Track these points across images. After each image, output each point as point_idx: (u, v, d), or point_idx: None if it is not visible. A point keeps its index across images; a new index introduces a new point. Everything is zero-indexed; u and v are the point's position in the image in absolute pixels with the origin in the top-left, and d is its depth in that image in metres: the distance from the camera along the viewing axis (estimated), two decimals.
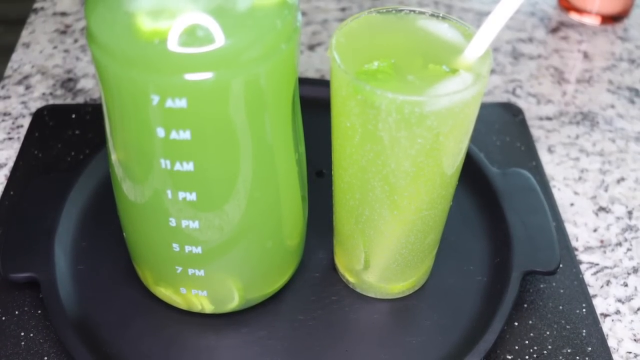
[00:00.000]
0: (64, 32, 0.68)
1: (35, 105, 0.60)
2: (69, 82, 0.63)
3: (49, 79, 0.63)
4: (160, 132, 0.35)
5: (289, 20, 0.35)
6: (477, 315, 0.45)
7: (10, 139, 0.57)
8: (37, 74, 0.63)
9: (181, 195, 0.37)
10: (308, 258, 0.48)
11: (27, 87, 0.62)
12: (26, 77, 0.63)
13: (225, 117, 0.35)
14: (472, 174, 0.52)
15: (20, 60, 0.65)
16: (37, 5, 0.72)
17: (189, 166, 0.36)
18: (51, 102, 0.60)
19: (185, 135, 0.35)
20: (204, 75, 0.33)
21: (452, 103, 0.36)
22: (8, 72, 0.64)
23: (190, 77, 0.33)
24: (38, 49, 0.66)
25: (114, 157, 0.39)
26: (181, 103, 0.33)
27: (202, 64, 0.33)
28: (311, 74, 0.65)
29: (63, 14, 0.71)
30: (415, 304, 0.46)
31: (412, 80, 0.37)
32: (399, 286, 0.45)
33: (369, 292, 0.46)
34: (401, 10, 0.40)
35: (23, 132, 0.58)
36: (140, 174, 0.38)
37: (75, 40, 0.67)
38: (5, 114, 0.59)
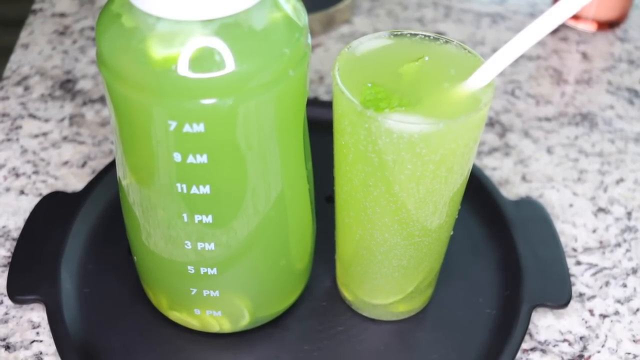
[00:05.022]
0: (62, 33, 0.68)
1: (34, 107, 0.60)
2: (67, 83, 0.63)
3: (48, 80, 0.63)
4: (177, 156, 0.35)
5: (299, 44, 0.35)
6: (485, 350, 0.44)
7: (9, 140, 0.57)
8: (35, 75, 0.63)
9: (197, 218, 0.37)
10: (315, 286, 0.47)
11: (26, 88, 0.62)
12: (25, 78, 0.63)
13: (240, 140, 0.35)
14: (483, 203, 0.51)
15: (19, 61, 0.65)
16: (36, 6, 0.72)
17: (205, 189, 0.36)
18: (50, 103, 0.60)
19: (202, 159, 0.35)
20: (219, 100, 0.33)
21: (445, 130, 0.35)
22: (7, 73, 0.64)
23: (207, 102, 0.33)
24: (37, 50, 0.66)
25: (125, 180, 0.39)
26: (199, 128, 0.34)
27: (218, 89, 0.33)
28: (310, 74, 0.65)
29: (62, 15, 0.71)
30: (423, 337, 0.45)
31: (410, 104, 0.36)
32: (398, 311, 0.45)
33: (364, 311, 0.46)
34: (416, 35, 0.40)
35: (22, 133, 0.58)
36: (155, 198, 0.38)
37: (74, 42, 0.67)
38: (3, 115, 0.59)
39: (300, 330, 0.45)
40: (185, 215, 0.37)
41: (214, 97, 0.33)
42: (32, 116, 0.59)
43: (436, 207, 0.39)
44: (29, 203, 0.53)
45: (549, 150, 0.58)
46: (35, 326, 0.45)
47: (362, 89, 0.37)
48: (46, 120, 0.59)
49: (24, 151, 0.56)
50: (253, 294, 0.42)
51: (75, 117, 0.59)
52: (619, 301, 0.48)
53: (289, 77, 0.35)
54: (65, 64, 0.65)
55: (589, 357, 0.45)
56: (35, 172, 0.55)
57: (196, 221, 0.38)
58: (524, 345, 0.45)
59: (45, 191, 0.53)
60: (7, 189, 0.54)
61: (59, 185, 0.54)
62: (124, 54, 0.33)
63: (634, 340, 0.46)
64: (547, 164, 0.57)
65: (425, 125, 0.35)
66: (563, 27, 0.72)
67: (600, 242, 0.52)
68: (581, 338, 0.46)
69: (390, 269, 0.42)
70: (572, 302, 0.47)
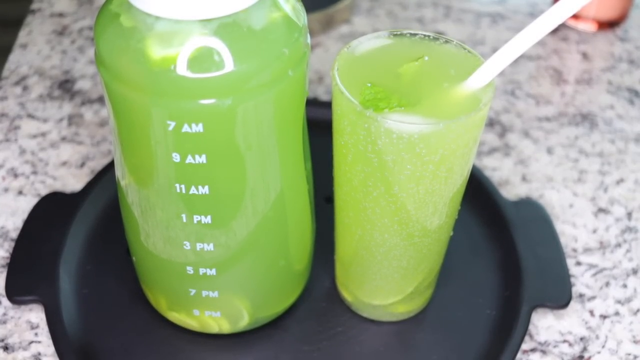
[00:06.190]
0: (61, 33, 0.68)
1: (32, 107, 0.60)
2: (66, 83, 0.62)
3: (46, 80, 0.63)
4: (176, 157, 0.35)
5: (299, 44, 0.35)
6: (485, 350, 0.44)
7: (7, 140, 0.57)
8: (34, 75, 0.63)
9: (196, 218, 0.37)
10: (315, 287, 0.47)
11: (25, 88, 0.62)
12: (23, 78, 0.63)
13: (239, 141, 0.35)
14: (483, 203, 0.51)
15: (18, 61, 0.65)
16: (34, 6, 0.72)
17: (204, 189, 0.36)
18: (48, 103, 0.60)
19: (201, 159, 0.35)
20: (218, 100, 0.33)
21: (445, 130, 0.35)
22: (5, 73, 0.63)
23: (206, 102, 0.33)
24: (35, 50, 0.66)
25: (124, 181, 0.39)
26: (197, 128, 0.33)
27: (217, 89, 0.33)
28: (310, 75, 0.65)
29: (60, 14, 0.71)
30: (423, 337, 0.45)
31: (409, 104, 0.36)
32: (397, 311, 0.45)
33: (364, 312, 0.46)
34: (415, 35, 0.40)
35: (20, 133, 0.58)
36: (154, 198, 0.37)
37: (73, 41, 0.67)
38: (2, 115, 0.59)
39: (300, 331, 0.45)
40: (184, 216, 0.37)
41: (213, 97, 0.33)
42: (31, 116, 0.59)
43: (436, 207, 0.39)
44: (27, 203, 0.52)
45: (549, 151, 0.58)
46: (33, 327, 0.45)
47: (361, 89, 0.37)
48: (45, 121, 0.59)
49: (23, 151, 0.56)
50: (252, 294, 0.42)
51: (73, 117, 0.59)
52: (619, 302, 0.48)
53: (288, 77, 0.35)
54: (63, 64, 0.65)
55: (589, 357, 0.45)
56: (34, 173, 0.55)
57: (195, 222, 0.37)
58: (524, 346, 0.45)
59: (44, 191, 0.53)
60: (6, 190, 0.53)
61: (58, 186, 0.54)
62: (122, 54, 0.33)
63: (634, 341, 0.46)
64: (547, 164, 0.57)
65: (425, 126, 0.35)
66: (563, 27, 0.72)
67: (601, 243, 0.51)
68: (581, 339, 0.46)
69: (390, 269, 0.42)
70: (572, 303, 0.47)
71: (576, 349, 0.45)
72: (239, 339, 0.44)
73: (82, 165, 0.55)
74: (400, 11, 0.73)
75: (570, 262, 0.50)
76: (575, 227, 0.52)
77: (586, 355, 0.45)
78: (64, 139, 0.57)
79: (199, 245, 0.38)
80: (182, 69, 0.32)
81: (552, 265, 0.47)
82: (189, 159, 0.35)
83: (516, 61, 0.67)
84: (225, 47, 0.32)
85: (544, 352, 0.45)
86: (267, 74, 0.34)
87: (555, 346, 0.45)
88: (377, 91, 0.37)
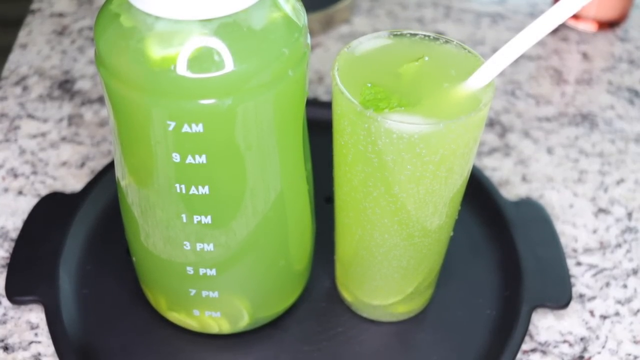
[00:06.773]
0: (61, 33, 0.68)
1: (32, 107, 0.60)
2: (66, 84, 0.62)
3: (46, 80, 0.63)
4: (176, 157, 0.35)
5: (299, 44, 0.35)
6: (485, 351, 0.44)
7: (7, 140, 0.57)
8: (34, 75, 0.63)
9: (196, 218, 0.37)
10: (315, 287, 0.47)
11: (25, 88, 0.62)
12: (23, 78, 0.63)
13: (239, 141, 0.35)
14: (483, 203, 0.51)
15: (18, 61, 0.65)
16: (34, 6, 0.72)
17: (204, 190, 0.36)
18: (48, 103, 0.60)
19: (201, 159, 0.35)
20: (218, 100, 0.33)
21: (445, 130, 0.35)
22: (5, 73, 0.63)
23: (206, 102, 0.33)
24: (35, 50, 0.66)
25: (124, 181, 0.39)
26: (198, 128, 0.33)
27: (217, 89, 0.33)
28: (310, 75, 0.65)
29: (60, 14, 0.71)
30: (423, 337, 0.45)
31: (409, 104, 0.36)
32: (397, 312, 0.45)
33: (364, 312, 0.46)
34: (415, 35, 0.40)
35: (20, 133, 0.58)
36: (154, 198, 0.37)
37: (73, 41, 0.67)
38: (2, 115, 0.59)
39: (300, 331, 0.45)
40: (184, 216, 0.37)
41: (213, 97, 0.33)
42: (31, 116, 0.59)
43: (436, 207, 0.39)
44: (27, 204, 0.52)
45: (549, 151, 0.58)
46: (33, 327, 0.45)
47: (361, 89, 0.37)
48: (45, 121, 0.59)
49: (23, 151, 0.56)
50: (252, 294, 0.42)
51: (73, 117, 0.59)
52: (619, 302, 0.48)
53: (288, 77, 0.35)
54: (63, 64, 0.64)
55: (590, 358, 0.45)
56: (34, 173, 0.55)
57: (195, 222, 0.37)
58: (524, 347, 0.45)
59: (44, 192, 0.53)
60: (6, 190, 0.53)
61: (58, 186, 0.54)
62: (122, 54, 0.33)
63: (634, 341, 0.46)
64: (547, 164, 0.57)
65: (425, 126, 0.35)
66: (563, 27, 0.71)
67: (601, 243, 0.51)
68: (581, 339, 0.46)
69: (390, 269, 0.42)
70: (572, 303, 0.47)
71: (576, 349, 0.45)
72: (239, 339, 0.44)
73: (82, 165, 0.55)
74: (400, 11, 0.73)
75: (570, 262, 0.50)
76: (575, 227, 0.52)
77: (586, 355, 0.45)
78: (64, 139, 0.57)
79: (199, 246, 0.38)
80: (182, 69, 0.32)
81: (552, 266, 0.47)
82: (189, 159, 0.35)
83: (516, 61, 0.67)
84: (225, 47, 0.32)
85: (544, 352, 0.45)
86: (267, 74, 0.34)
87: (555, 346, 0.45)
88: (377, 91, 0.37)
